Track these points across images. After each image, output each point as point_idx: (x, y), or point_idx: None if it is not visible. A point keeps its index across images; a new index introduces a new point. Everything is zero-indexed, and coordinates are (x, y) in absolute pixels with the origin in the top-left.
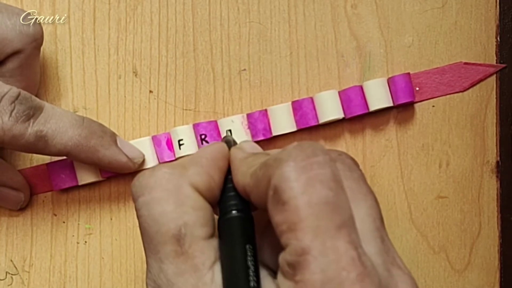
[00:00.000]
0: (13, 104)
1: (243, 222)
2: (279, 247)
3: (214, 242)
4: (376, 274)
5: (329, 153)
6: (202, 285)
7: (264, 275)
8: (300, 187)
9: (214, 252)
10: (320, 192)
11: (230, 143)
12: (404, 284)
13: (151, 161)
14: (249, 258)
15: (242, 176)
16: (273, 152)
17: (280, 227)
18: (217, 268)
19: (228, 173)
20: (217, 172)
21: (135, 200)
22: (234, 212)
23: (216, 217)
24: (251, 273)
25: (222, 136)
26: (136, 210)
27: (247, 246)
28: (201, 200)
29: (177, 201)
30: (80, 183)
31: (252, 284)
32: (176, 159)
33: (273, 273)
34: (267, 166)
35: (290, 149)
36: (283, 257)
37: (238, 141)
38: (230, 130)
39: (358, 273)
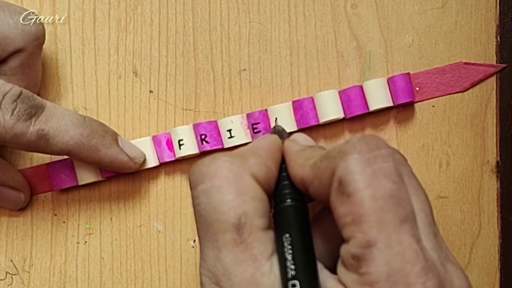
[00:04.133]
0: (15, 103)
1: (298, 211)
2: (331, 240)
3: (272, 234)
4: (436, 268)
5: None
6: (260, 275)
7: (319, 267)
8: (366, 179)
9: (271, 244)
10: (385, 185)
11: (281, 133)
12: (459, 280)
13: (151, 161)
14: (286, 249)
15: (301, 168)
16: (330, 146)
17: (343, 219)
18: (275, 259)
19: (282, 164)
20: (273, 163)
21: (193, 188)
22: (289, 201)
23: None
24: (289, 264)
25: (272, 125)
26: (194, 198)
27: (283, 237)
28: (260, 190)
29: (238, 190)
30: (80, 183)
31: (289, 274)
32: (176, 159)
33: (323, 266)
34: (330, 158)
35: (355, 142)
36: (347, 250)
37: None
38: (276, 119)
39: (422, 267)
